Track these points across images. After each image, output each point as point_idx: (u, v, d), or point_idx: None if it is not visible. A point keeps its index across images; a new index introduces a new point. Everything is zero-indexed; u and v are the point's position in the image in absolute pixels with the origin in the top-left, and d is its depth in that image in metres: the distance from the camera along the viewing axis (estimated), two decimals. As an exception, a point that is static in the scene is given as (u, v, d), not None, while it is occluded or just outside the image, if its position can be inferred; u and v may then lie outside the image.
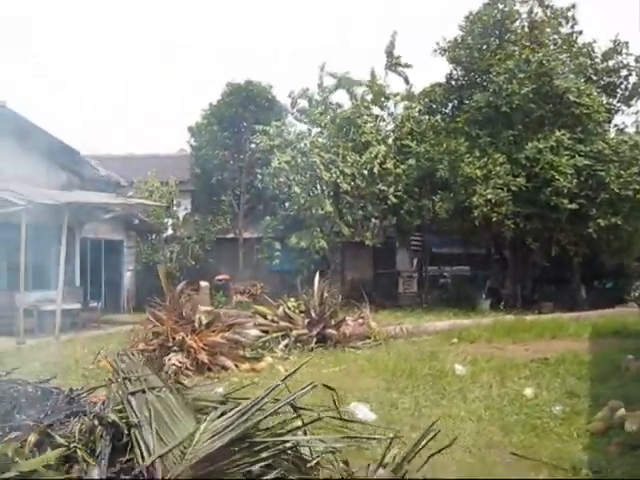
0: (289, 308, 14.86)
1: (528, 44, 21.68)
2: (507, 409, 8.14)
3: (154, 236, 27.26)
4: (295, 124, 25.87)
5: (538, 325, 16.23)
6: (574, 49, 22.44)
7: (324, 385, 5.83)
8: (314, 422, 4.77)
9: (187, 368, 11.06)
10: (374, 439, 5.01)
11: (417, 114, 24.08)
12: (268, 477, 3.95)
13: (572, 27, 23.00)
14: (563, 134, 19.76)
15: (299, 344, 13.89)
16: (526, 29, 22.65)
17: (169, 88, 65.22)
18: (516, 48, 21.44)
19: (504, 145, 20.56)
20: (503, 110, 20.30)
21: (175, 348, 11.47)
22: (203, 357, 11.40)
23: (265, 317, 14.68)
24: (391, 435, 4.77)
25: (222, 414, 4.55)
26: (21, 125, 17.77)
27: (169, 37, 68.89)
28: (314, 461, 4.20)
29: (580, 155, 19.80)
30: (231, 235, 27.32)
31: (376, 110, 25.29)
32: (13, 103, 17.52)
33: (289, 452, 4.27)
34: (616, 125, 23.38)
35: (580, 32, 23.12)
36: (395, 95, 25.15)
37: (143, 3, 66.68)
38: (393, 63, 24.72)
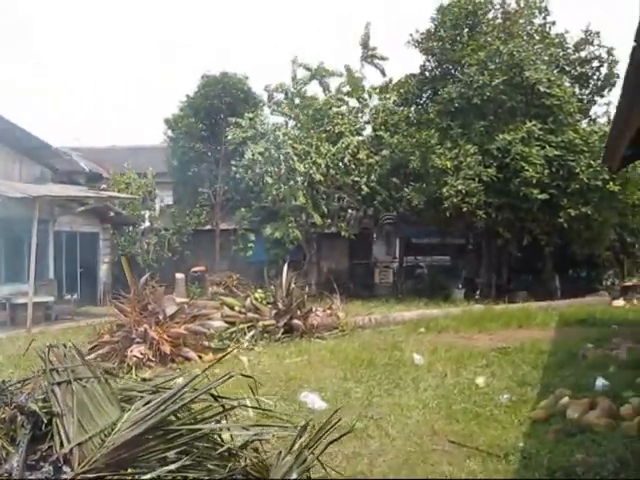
0: (256, 299, 14.93)
1: (500, 35, 21.74)
2: (456, 398, 8.25)
3: (131, 228, 27.24)
4: (271, 116, 25.94)
5: (506, 314, 16.38)
6: (547, 40, 22.53)
7: (242, 374, 5.90)
8: (230, 410, 4.79)
9: (149, 359, 11.13)
10: (285, 427, 5.04)
11: (392, 105, 24.18)
12: (180, 462, 4.02)
13: (544, 18, 23.10)
14: (534, 125, 19.84)
15: (266, 335, 13.97)
16: (499, 20, 22.71)
17: (154, 80, 65.05)
18: (488, 39, 21.50)
19: (475, 136, 20.61)
20: (474, 102, 20.34)
21: (138, 340, 11.53)
22: (166, 348, 11.46)
23: (232, 308, 14.74)
24: (302, 423, 4.82)
25: (147, 403, 4.61)
26: (-9, 119, 17.74)
27: (155, 30, 68.88)
28: (224, 448, 4.25)
29: (551, 146, 19.88)
30: (208, 227, 27.34)
31: (352, 102, 25.35)
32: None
33: (204, 439, 4.35)
34: (589, 116, 23.49)
35: (553, 23, 23.24)
36: (374, 89, 25.22)
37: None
38: (369, 55, 24.78)
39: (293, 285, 15.21)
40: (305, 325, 14.44)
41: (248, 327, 13.92)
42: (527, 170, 19.24)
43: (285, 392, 8.91)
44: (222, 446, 4.37)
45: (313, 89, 26.05)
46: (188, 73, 53.83)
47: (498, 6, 22.80)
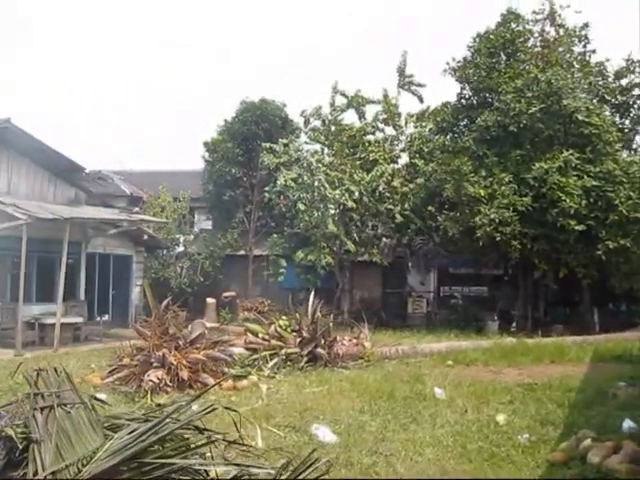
0: (280, 326, 14.72)
1: (539, 63, 21.43)
2: (473, 436, 7.90)
3: (165, 252, 27.38)
4: (308, 142, 25.90)
5: (538, 349, 15.89)
6: (586, 68, 22.13)
7: (225, 407, 5.71)
8: (210, 443, 4.57)
9: (166, 384, 10.97)
10: (263, 468, 4.77)
11: (427, 133, 23.98)
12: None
13: (584, 46, 22.74)
14: (571, 154, 19.40)
15: (289, 363, 13.74)
16: (537, 48, 22.40)
17: (198, 104, 65.93)
18: (526, 67, 21.21)
19: (511, 165, 20.26)
20: (511, 129, 20.03)
21: (156, 364, 11.40)
22: (184, 374, 11.28)
23: (256, 335, 14.56)
24: (282, 461, 4.58)
25: (132, 432, 4.43)
26: (27, 142, 18.04)
27: (191, 53, 70.02)
28: None
29: (589, 176, 19.42)
30: (242, 252, 27.31)
31: (388, 130, 25.22)
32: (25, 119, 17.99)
33: (186, 473, 4.13)
34: (630, 146, 22.94)
35: (593, 51, 22.88)
36: (411, 116, 25.07)
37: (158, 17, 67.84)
38: (406, 82, 24.66)
39: (319, 313, 14.95)
40: (329, 354, 14.18)
41: (271, 355, 13.71)
42: (564, 200, 18.79)
43: (299, 423, 8.68)
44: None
45: (349, 117, 26.00)
46: (228, 97, 54.44)
47: (537, 34, 22.51)
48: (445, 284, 28.56)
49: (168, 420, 4.24)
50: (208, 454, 4.98)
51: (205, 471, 4.46)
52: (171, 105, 65.66)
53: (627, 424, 7.86)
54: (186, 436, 4.73)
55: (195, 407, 9.21)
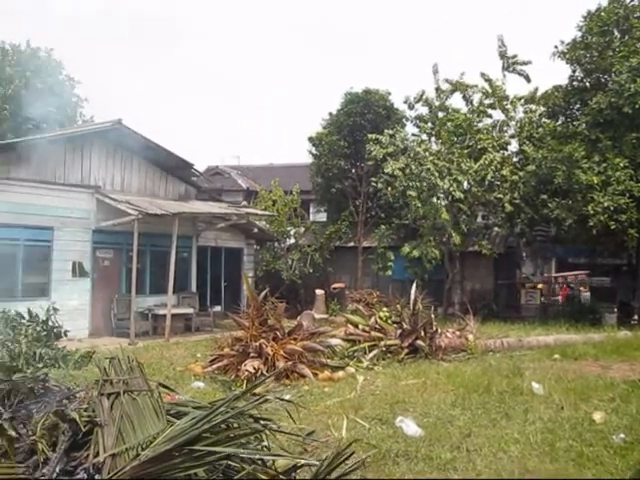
0: (381, 318, 14.70)
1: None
2: (565, 433, 7.60)
3: (275, 244, 27.95)
4: (414, 131, 25.60)
5: (655, 343, 15.01)
6: None
7: (277, 398, 5.79)
8: (258, 432, 4.62)
9: (262, 374, 11.19)
10: (309, 461, 4.74)
11: (537, 118, 23.09)
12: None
13: None
14: (693, 135, 18.18)
15: (389, 355, 13.71)
16: (655, 23, 21.03)
17: (307, 98, 66.84)
18: (641, 44, 19.96)
19: (627, 149, 19.18)
20: (626, 111, 18.91)
21: (253, 354, 11.68)
22: (280, 364, 11.49)
23: (357, 326, 14.60)
24: (325, 455, 4.55)
25: (192, 419, 4.57)
26: (138, 141, 18.90)
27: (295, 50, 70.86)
28: (243, 472, 4.10)
29: None
30: (351, 244, 27.42)
31: (496, 114, 24.46)
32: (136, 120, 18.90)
33: (246, 461, 4.23)
34: None
35: None
36: (519, 99, 24.19)
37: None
38: (510, 64, 23.78)
39: (420, 304, 14.80)
40: (430, 346, 14.04)
41: (370, 346, 13.73)
42: (684, 185, 17.62)
43: (387, 415, 8.66)
44: (255, 470, 4.22)
45: (455, 102, 25.41)
46: (332, 88, 54.86)
47: (655, 8, 21.10)
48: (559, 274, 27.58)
49: (222, 409, 4.33)
50: (273, 445, 5.09)
51: (273, 461, 4.57)
52: (287, 98, 66.89)
53: None
54: (253, 426, 4.80)
55: (288, 396, 9.47)
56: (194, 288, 21.60)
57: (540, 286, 25.92)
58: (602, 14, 20.54)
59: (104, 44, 67.98)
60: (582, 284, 25.65)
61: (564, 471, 6.26)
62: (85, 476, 4.22)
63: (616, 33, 20.75)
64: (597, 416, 8.29)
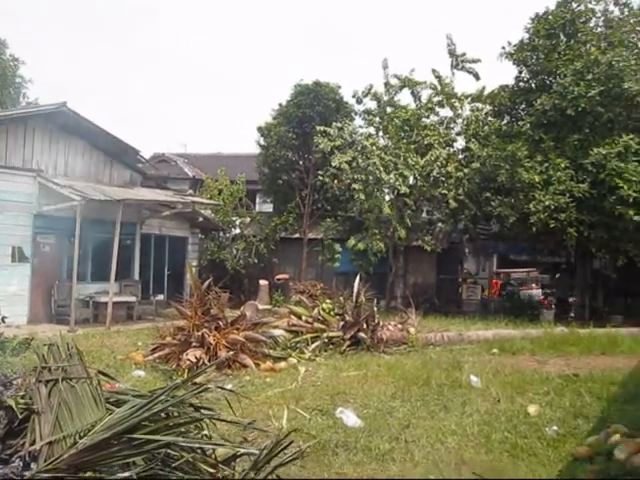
0: (324, 310, 14.77)
1: (600, 45, 20.62)
2: (500, 425, 7.77)
3: (221, 234, 27.75)
4: (362, 125, 25.73)
5: (589, 339, 15.40)
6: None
7: (219, 387, 5.83)
8: (191, 423, 4.60)
9: (204, 364, 11.12)
10: (246, 449, 4.75)
11: (484, 116, 23.49)
12: (135, 471, 3.91)
13: (651, 26, 21.74)
14: (632, 139, 18.68)
15: (331, 347, 13.78)
16: (600, 29, 21.57)
17: (256, 89, 66.49)
18: (586, 49, 20.45)
19: (569, 150, 19.67)
20: (569, 113, 19.37)
21: (195, 344, 11.60)
22: (222, 354, 11.44)
23: (300, 318, 14.64)
24: (265, 445, 4.56)
25: (131, 408, 4.52)
26: (82, 125, 18.49)
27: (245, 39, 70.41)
28: (181, 460, 4.06)
29: (651, 162, 18.66)
30: (296, 235, 27.41)
31: (444, 111, 24.78)
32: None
33: (182, 450, 4.19)
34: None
35: (660, 31, 21.83)
36: (467, 97, 24.55)
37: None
38: (459, 62, 24.11)
39: (363, 297, 14.91)
40: (372, 339, 14.18)
41: (313, 338, 13.79)
42: (622, 187, 18.12)
43: (328, 406, 8.70)
44: (195, 458, 4.20)
45: (404, 98, 25.66)
46: (282, 79, 54.77)
47: (599, 14, 21.63)
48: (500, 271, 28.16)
49: (162, 397, 4.29)
50: (213, 434, 5.06)
51: (213, 450, 4.55)
52: (234, 89, 66.37)
53: (664, 420, 7.56)
54: (193, 415, 4.76)
55: (229, 386, 9.45)
56: (137, 276, 21.30)
57: (495, 281, 26.38)
58: (549, 17, 20.98)
59: (52, 26, 66.27)
60: (534, 281, 26.19)
61: (499, 462, 6.40)
62: (21, 464, 4.14)
63: (562, 37, 21.22)
64: (532, 409, 8.50)
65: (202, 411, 4.73)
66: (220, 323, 12.19)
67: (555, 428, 7.58)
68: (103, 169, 20.24)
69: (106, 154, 20.12)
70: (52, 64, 63.13)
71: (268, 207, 30.47)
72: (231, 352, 11.45)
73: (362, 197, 22.34)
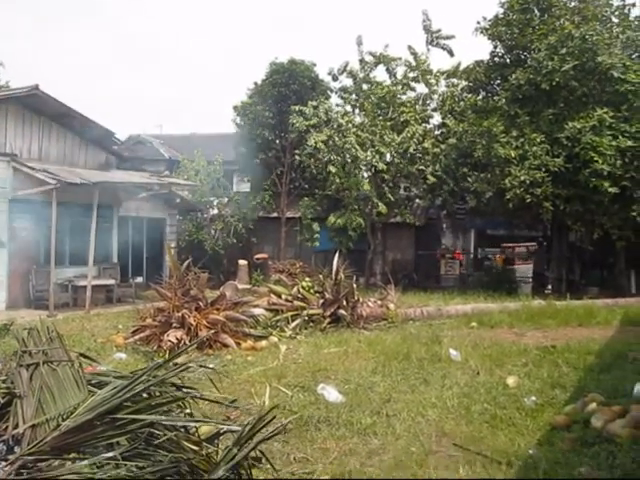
0: (304, 288, 14.81)
1: (574, 19, 20.69)
2: (480, 397, 7.87)
3: (199, 214, 27.64)
4: (339, 103, 25.66)
5: (566, 311, 15.66)
6: (624, 23, 21.30)
7: (200, 366, 6.04)
8: (180, 400, 4.63)
9: (185, 344, 11.12)
10: (232, 427, 4.79)
11: (459, 92, 23.53)
12: (119, 451, 3.93)
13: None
14: (606, 112, 18.83)
15: (312, 324, 13.84)
16: (573, 3, 21.61)
17: (232, 68, 65.90)
18: (560, 23, 20.51)
19: (544, 124, 19.80)
20: (543, 88, 19.48)
21: (176, 325, 11.59)
22: (203, 334, 11.44)
23: (279, 296, 14.67)
24: (247, 422, 4.61)
25: (113, 389, 4.53)
26: (56, 108, 18.25)
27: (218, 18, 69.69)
28: (162, 439, 4.08)
29: (624, 135, 18.83)
30: (274, 214, 27.38)
31: (420, 88, 24.78)
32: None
33: (165, 429, 4.22)
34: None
35: (633, 4, 21.90)
36: (442, 73, 24.55)
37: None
38: (434, 38, 24.08)
39: (342, 274, 14.98)
40: (352, 315, 14.26)
41: (293, 316, 13.83)
42: (597, 161, 18.31)
43: (309, 383, 8.76)
44: (178, 437, 4.22)
45: (380, 75, 25.58)
46: (257, 58, 54.19)
47: (573, -13, 21.68)
48: (483, 245, 28.34)
49: (144, 377, 4.31)
50: (196, 413, 5.09)
51: (196, 428, 4.59)
52: (208, 69, 65.75)
53: (639, 388, 7.69)
54: (175, 394, 4.78)
55: (211, 365, 9.46)
56: (115, 259, 21.16)
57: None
58: (524, -10, 20.99)
59: (24, 8, 65.05)
60: (528, 256, 26.36)
61: (479, 433, 6.51)
62: (4, 448, 4.15)
63: (536, 11, 21.26)
64: (510, 380, 8.62)
65: (184, 390, 4.74)
66: (200, 303, 12.19)
67: (533, 398, 7.70)
68: (78, 152, 20.01)
69: (81, 137, 19.86)
70: (21, 48, 61.89)
71: (245, 187, 30.36)
72: (212, 331, 11.48)
73: (338, 180, 22.40)
